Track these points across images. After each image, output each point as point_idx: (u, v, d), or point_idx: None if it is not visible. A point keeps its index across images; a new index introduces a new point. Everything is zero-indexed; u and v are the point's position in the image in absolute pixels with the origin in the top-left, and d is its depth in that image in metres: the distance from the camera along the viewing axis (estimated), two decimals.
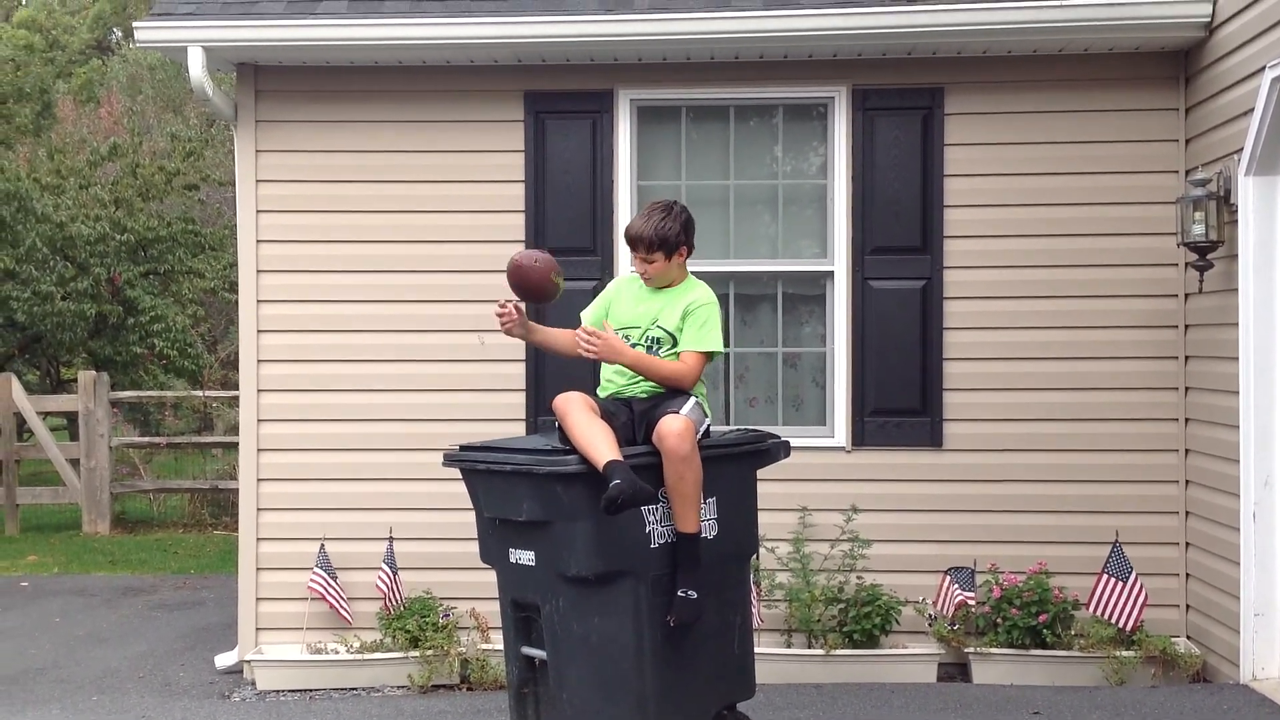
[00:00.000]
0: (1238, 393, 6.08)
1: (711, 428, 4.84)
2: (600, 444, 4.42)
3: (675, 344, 4.81)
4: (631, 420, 4.74)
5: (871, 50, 6.79)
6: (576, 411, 4.53)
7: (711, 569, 4.75)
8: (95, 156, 17.17)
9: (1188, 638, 6.72)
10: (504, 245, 6.98)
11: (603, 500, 4.29)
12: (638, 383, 4.83)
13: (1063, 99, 6.86)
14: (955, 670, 6.73)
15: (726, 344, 6.92)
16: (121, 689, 6.95)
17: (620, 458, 4.39)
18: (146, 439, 14.50)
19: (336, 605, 6.84)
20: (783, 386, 7.14)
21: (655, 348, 4.82)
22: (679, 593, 4.53)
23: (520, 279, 4.71)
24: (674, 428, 4.49)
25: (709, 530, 4.74)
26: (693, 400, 4.71)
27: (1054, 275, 6.85)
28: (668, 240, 4.79)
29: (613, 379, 4.90)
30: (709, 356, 4.82)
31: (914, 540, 6.88)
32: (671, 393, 4.75)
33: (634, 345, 4.80)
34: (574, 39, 6.66)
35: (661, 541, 4.61)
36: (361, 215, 7.07)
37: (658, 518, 4.59)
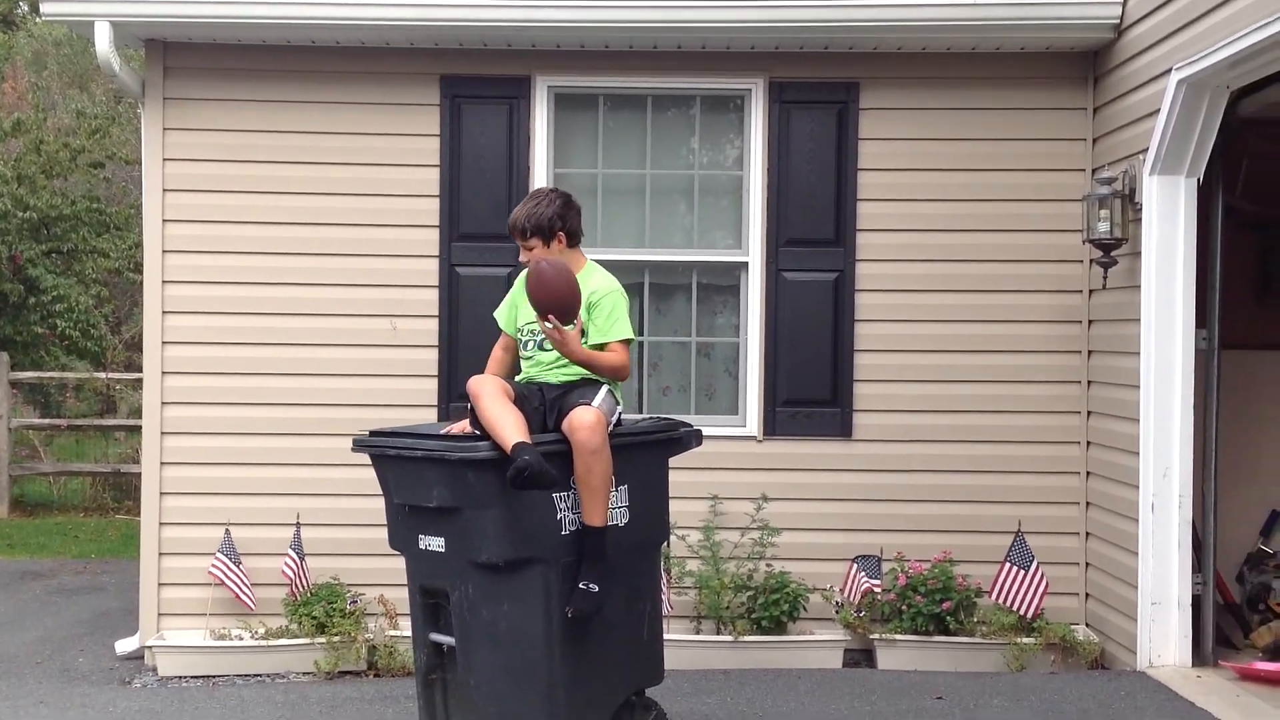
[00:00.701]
0: (1138, 387, 6.22)
1: (624, 416, 4.85)
2: (509, 426, 4.40)
3: (583, 336, 4.78)
4: (544, 406, 4.74)
5: (789, 43, 6.83)
6: (488, 394, 4.51)
7: (622, 557, 4.77)
8: None
9: (1087, 625, 6.87)
10: (418, 230, 6.98)
11: (509, 471, 4.28)
12: (552, 369, 4.82)
13: (975, 96, 6.96)
14: (861, 656, 6.82)
15: (640, 332, 7.00)
16: (18, 674, 6.80)
17: (529, 441, 4.38)
18: (47, 421, 14.18)
19: (238, 591, 6.75)
20: (696, 375, 7.17)
21: None
22: (580, 585, 4.52)
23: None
24: (585, 420, 4.48)
25: (620, 518, 4.75)
26: (605, 390, 4.71)
27: (963, 270, 6.96)
28: (541, 226, 4.80)
29: (531, 366, 4.89)
30: (628, 344, 4.83)
31: (823, 529, 6.95)
32: (585, 381, 4.76)
33: (541, 340, 4.79)
34: (491, 24, 6.62)
35: (573, 529, 4.61)
36: (273, 196, 6.97)
37: (569, 505, 4.59)
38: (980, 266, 6.95)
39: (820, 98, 6.99)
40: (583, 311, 4.77)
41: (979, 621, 6.75)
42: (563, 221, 4.86)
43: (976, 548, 6.87)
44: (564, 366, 4.82)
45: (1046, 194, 6.92)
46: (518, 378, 4.97)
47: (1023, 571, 6.63)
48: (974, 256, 6.94)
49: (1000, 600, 6.68)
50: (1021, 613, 6.63)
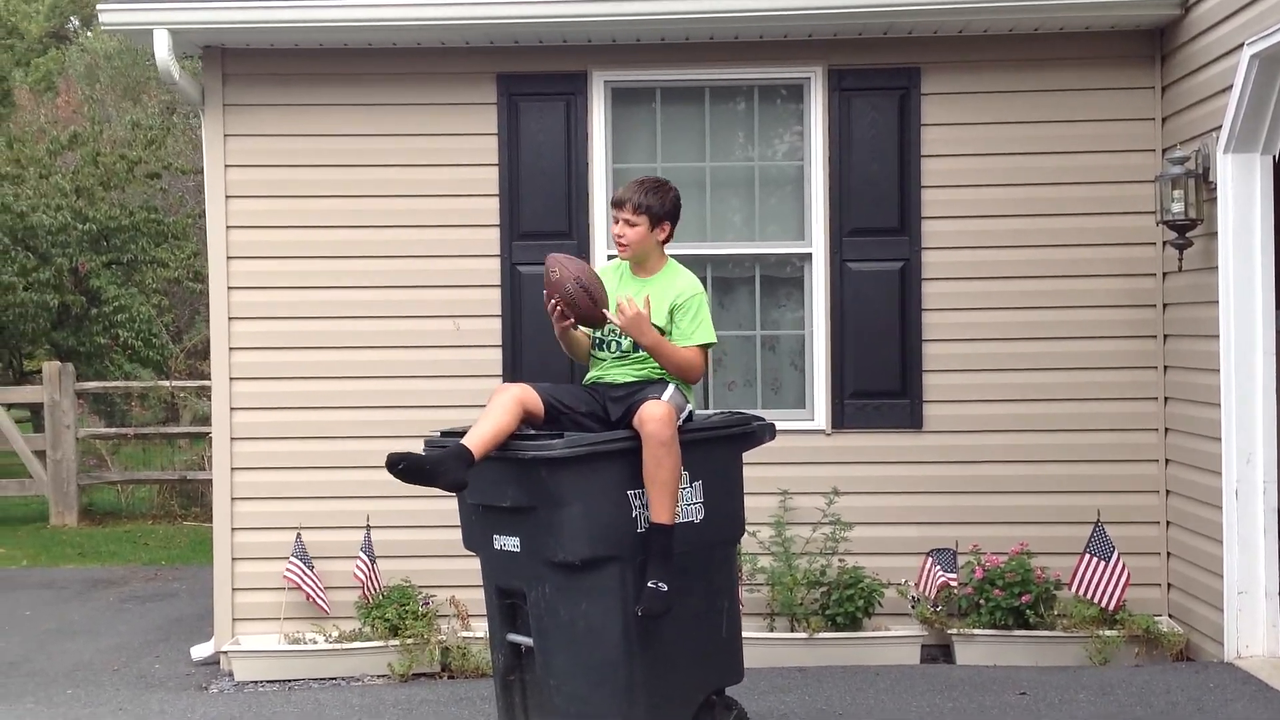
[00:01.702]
0: (1218, 370, 6.08)
1: (694, 411, 4.80)
2: (476, 429, 4.36)
3: (660, 335, 4.74)
4: (605, 406, 4.69)
5: (848, 30, 6.74)
6: (492, 402, 4.49)
7: (699, 554, 4.72)
8: (55, 145, 16.92)
9: (1170, 616, 6.73)
10: (478, 229, 6.95)
11: (390, 455, 4.30)
12: (621, 367, 4.78)
13: (1039, 78, 6.83)
14: (938, 652, 6.72)
15: None
16: (96, 682, 6.85)
17: (473, 451, 4.30)
18: (113, 430, 14.33)
19: (313, 595, 6.76)
20: (761, 369, 7.10)
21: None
22: (649, 584, 4.44)
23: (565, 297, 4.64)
24: (656, 413, 4.43)
25: (695, 515, 4.70)
26: (673, 387, 4.67)
27: (1032, 255, 6.83)
28: (652, 208, 4.74)
29: (597, 366, 4.85)
30: (707, 349, 4.78)
31: (896, 522, 6.86)
32: (653, 381, 4.71)
33: (621, 336, 4.75)
34: (546, 20, 6.58)
35: (648, 526, 4.56)
36: (333, 200, 6.97)
37: (643, 502, 4.55)
38: (1050, 251, 6.82)
39: (880, 84, 6.89)
40: (665, 313, 4.72)
41: (1059, 614, 6.63)
42: (673, 213, 4.82)
43: (1054, 539, 6.75)
44: (631, 364, 4.78)
45: (1116, 176, 6.79)
46: (585, 378, 4.93)
47: (1103, 562, 6.50)
48: (1043, 241, 6.82)
49: (1081, 592, 6.56)
50: (1103, 605, 6.50)
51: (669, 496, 4.45)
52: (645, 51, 6.89)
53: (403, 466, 4.30)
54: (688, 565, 4.66)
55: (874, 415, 6.89)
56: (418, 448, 4.90)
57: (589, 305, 4.61)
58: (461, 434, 4.64)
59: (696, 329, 4.74)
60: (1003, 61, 6.84)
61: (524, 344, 6.82)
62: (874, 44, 6.85)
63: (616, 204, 4.80)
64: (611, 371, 4.81)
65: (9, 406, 14.02)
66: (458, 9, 6.54)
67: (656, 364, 4.71)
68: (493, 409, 4.47)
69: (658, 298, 4.75)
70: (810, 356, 6.97)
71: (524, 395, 4.55)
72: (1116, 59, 6.80)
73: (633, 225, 4.75)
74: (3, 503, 14.30)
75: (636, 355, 4.76)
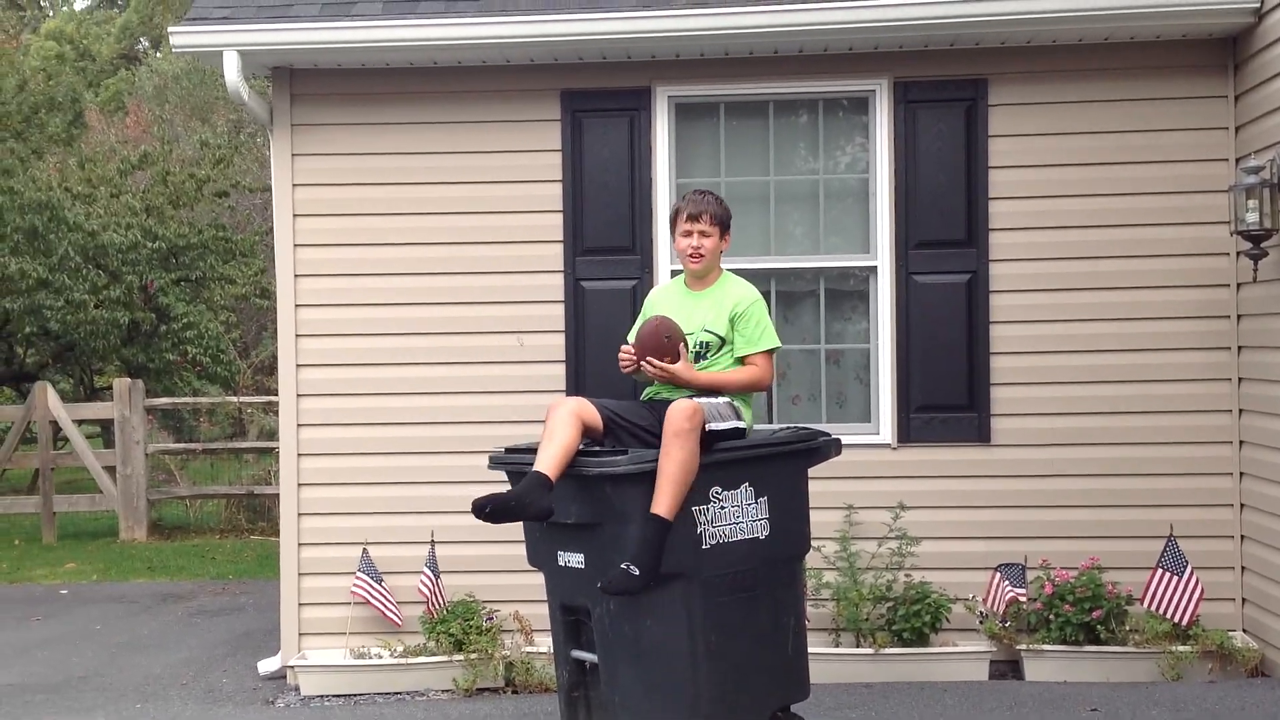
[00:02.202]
0: None
1: (759, 426, 4.79)
2: (545, 451, 4.40)
3: (723, 345, 4.76)
4: (661, 421, 4.67)
5: (913, 42, 6.69)
6: (552, 417, 4.51)
7: (764, 570, 4.70)
8: (125, 165, 17.21)
9: (1244, 631, 6.60)
10: (542, 245, 6.97)
11: (475, 500, 4.34)
12: (677, 388, 4.78)
13: (1108, 88, 6.75)
14: (1007, 668, 6.63)
15: None
16: (164, 696, 6.93)
17: (549, 475, 4.34)
18: (182, 445, 14.53)
19: (384, 609, 6.79)
20: (826, 383, 7.05)
21: (705, 352, 4.78)
22: (623, 565, 4.36)
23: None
24: (678, 406, 4.44)
25: (760, 531, 4.68)
26: (723, 400, 4.66)
27: (1102, 267, 6.74)
28: (722, 218, 4.90)
29: (659, 383, 4.86)
30: (773, 353, 4.78)
31: (963, 537, 6.78)
32: (708, 393, 4.71)
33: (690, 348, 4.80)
34: (611, 36, 6.58)
35: (713, 543, 4.55)
36: (399, 218, 7.02)
37: (709, 519, 4.53)
38: (1120, 263, 6.73)
39: (947, 96, 6.84)
40: (726, 322, 4.73)
41: (1131, 630, 6.52)
42: (730, 224, 4.98)
43: (1125, 554, 6.64)
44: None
45: (1188, 186, 6.68)
46: (644, 393, 4.93)
47: (1176, 577, 6.39)
48: (1113, 253, 6.73)
49: (1153, 607, 6.44)
50: (1176, 620, 6.39)
51: (671, 488, 4.37)
52: (708, 66, 6.89)
53: (490, 510, 4.34)
54: (753, 582, 4.65)
55: (941, 429, 6.82)
56: (482, 463, 4.93)
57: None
58: (526, 450, 4.66)
59: (760, 335, 4.77)
60: (1072, 72, 6.76)
61: (587, 358, 6.83)
62: (940, 55, 6.80)
63: (693, 216, 4.85)
64: (672, 389, 4.81)
65: (80, 423, 14.26)
66: (522, 27, 6.57)
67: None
68: (555, 426, 4.47)
69: (717, 308, 4.78)
70: (875, 370, 6.91)
71: (581, 409, 4.56)
72: (1188, 68, 6.70)
73: (707, 236, 4.84)
74: (74, 518, 14.54)
75: (700, 364, 4.77)
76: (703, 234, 4.82)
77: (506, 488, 4.81)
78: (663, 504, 4.37)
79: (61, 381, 19.17)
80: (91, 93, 27.27)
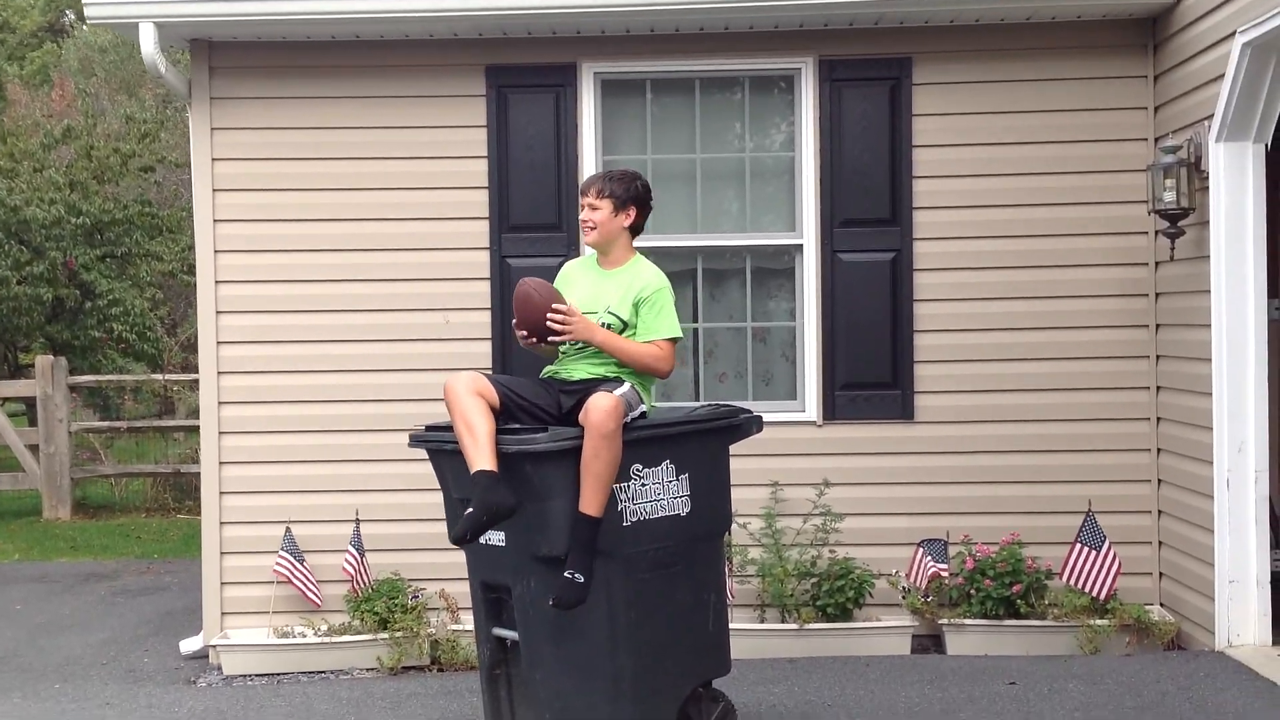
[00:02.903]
0: (1210, 360, 6.06)
1: (681, 404, 4.79)
2: (476, 445, 4.37)
3: (625, 329, 4.73)
4: (559, 400, 4.68)
5: (838, 20, 6.70)
6: (458, 401, 4.46)
7: (685, 547, 4.71)
8: (49, 139, 16.87)
9: (1162, 605, 6.72)
10: (467, 222, 6.92)
11: (451, 535, 4.41)
12: (579, 361, 4.76)
13: (1031, 68, 6.80)
14: (929, 642, 6.70)
15: (694, 318, 6.92)
16: (85, 676, 6.83)
17: (494, 468, 4.34)
18: (106, 424, 14.29)
19: (304, 588, 6.74)
20: (752, 361, 7.07)
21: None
22: (565, 574, 4.37)
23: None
24: (602, 404, 4.39)
25: (681, 508, 4.69)
26: (628, 384, 4.63)
27: (1024, 245, 6.81)
28: (616, 193, 4.81)
29: (560, 359, 4.83)
30: (674, 343, 4.76)
31: (887, 513, 6.84)
32: (608, 379, 4.68)
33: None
34: (535, 11, 6.53)
35: (634, 520, 4.55)
36: (322, 193, 6.94)
37: (630, 496, 4.53)
38: (1042, 241, 6.80)
39: (872, 74, 6.86)
40: (630, 306, 4.71)
41: (1050, 604, 6.61)
42: (639, 201, 4.87)
43: (1045, 529, 6.73)
44: (590, 359, 4.75)
45: (1108, 165, 6.76)
46: (543, 370, 4.90)
47: (1094, 552, 6.48)
48: (1035, 231, 6.80)
49: (1072, 582, 6.54)
50: (1094, 594, 6.49)
51: (602, 489, 4.39)
52: (635, 43, 6.86)
53: (469, 535, 4.36)
54: (673, 559, 4.66)
55: (865, 406, 6.87)
56: (403, 440, 4.89)
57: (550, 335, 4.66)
58: (446, 428, 4.62)
59: (661, 323, 4.72)
60: (995, 51, 6.81)
61: (513, 337, 6.76)
62: (865, 34, 6.82)
63: (582, 191, 4.88)
64: (570, 366, 4.79)
65: (3, 401, 14.01)
66: (445, 0, 6.50)
67: (615, 360, 4.69)
68: (468, 412, 4.43)
69: (622, 290, 4.74)
70: (801, 348, 6.94)
71: (480, 388, 4.51)
72: (1109, 48, 6.77)
73: (596, 209, 4.81)
74: None
75: (594, 349, 4.75)
76: (592, 207, 4.80)
77: (428, 466, 4.79)
78: (593, 504, 4.38)
79: None
80: (15, 66, 26.72)
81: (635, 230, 4.89)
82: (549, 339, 4.67)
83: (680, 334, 4.79)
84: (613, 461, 4.39)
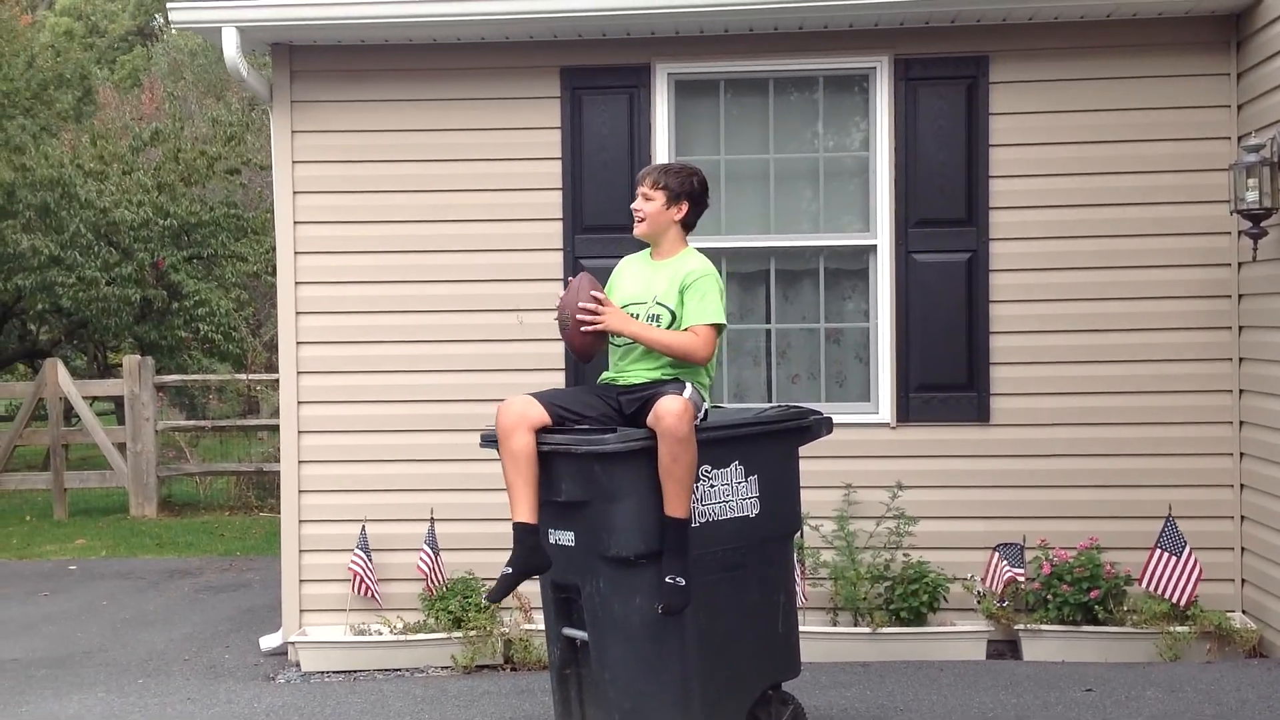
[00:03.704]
0: None
1: (751, 405, 4.78)
2: (520, 495, 4.50)
3: (673, 320, 4.71)
4: (619, 405, 4.68)
5: (914, 18, 6.65)
6: (506, 440, 4.53)
7: (754, 548, 4.70)
8: (137, 142, 17.25)
9: (1243, 612, 6.58)
10: (541, 223, 6.96)
11: (486, 596, 4.58)
12: (635, 365, 4.77)
13: (1111, 66, 6.70)
14: (1005, 648, 6.63)
15: (766, 319, 6.90)
16: (167, 671, 6.97)
17: (535, 520, 4.48)
18: (192, 423, 14.59)
19: (370, 588, 6.82)
20: (825, 362, 7.04)
21: (657, 324, 4.73)
22: (665, 579, 4.40)
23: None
24: (672, 408, 4.39)
25: (750, 509, 4.69)
26: (690, 386, 4.64)
27: (1103, 245, 6.71)
28: (670, 185, 4.80)
29: (615, 360, 4.85)
30: (718, 330, 4.72)
31: (961, 516, 6.77)
32: (666, 380, 4.67)
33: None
34: (610, 13, 6.55)
35: (703, 521, 4.55)
36: (398, 195, 7.02)
37: (699, 497, 4.53)
38: (1121, 241, 6.69)
39: (948, 73, 6.79)
40: (676, 295, 4.70)
41: (1129, 610, 6.51)
42: (693, 196, 4.85)
43: (1124, 534, 6.63)
44: (643, 361, 4.75)
45: (1190, 164, 6.63)
46: (601, 376, 4.91)
47: (1174, 557, 6.37)
48: (1114, 231, 6.69)
49: (1151, 588, 6.43)
50: (1174, 600, 6.37)
51: (685, 491, 4.41)
52: (709, 43, 6.86)
53: (500, 596, 4.57)
54: (742, 560, 4.66)
55: (940, 408, 6.81)
56: (477, 440, 4.92)
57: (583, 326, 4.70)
58: None
59: (703, 308, 4.68)
60: (1074, 49, 6.72)
61: None
62: (941, 32, 6.76)
63: (638, 181, 4.90)
64: (627, 370, 4.79)
65: (93, 400, 14.33)
66: (521, 3, 6.54)
67: (671, 360, 4.68)
68: (519, 453, 4.51)
69: (669, 280, 4.74)
70: (875, 349, 6.90)
71: (531, 418, 4.53)
72: (1191, 45, 6.65)
73: (649, 200, 4.82)
74: (85, 494, 14.63)
75: (644, 350, 4.76)
76: (645, 197, 4.81)
77: (498, 468, 4.82)
78: (679, 507, 4.41)
79: (75, 358, 19.29)
80: (107, 70, 27.33)
81: (688, 226, 4.88)
82: (582, 330, 4.67)
83: (723, 320, 4.73)
84: (691, 464, 4.40)
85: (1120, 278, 6.70)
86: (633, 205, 4.88)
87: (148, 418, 13.19)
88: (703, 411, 4.63)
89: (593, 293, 4.67)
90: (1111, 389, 6.71)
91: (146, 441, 13.18)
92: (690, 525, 4.44)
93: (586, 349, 4.77)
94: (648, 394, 4.58)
